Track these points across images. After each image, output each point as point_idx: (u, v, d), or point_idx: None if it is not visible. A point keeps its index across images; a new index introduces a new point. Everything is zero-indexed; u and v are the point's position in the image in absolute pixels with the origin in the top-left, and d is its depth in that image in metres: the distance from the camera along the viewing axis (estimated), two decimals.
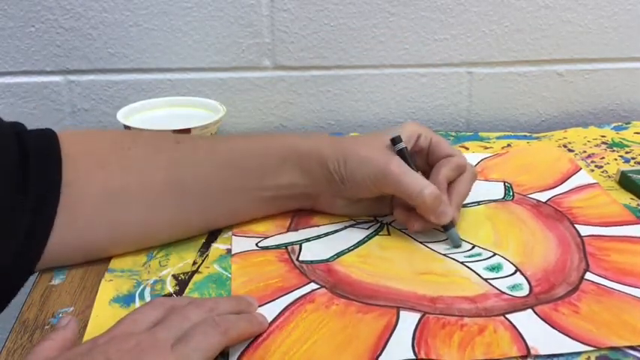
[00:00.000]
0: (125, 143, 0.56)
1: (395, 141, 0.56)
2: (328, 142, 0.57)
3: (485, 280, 0.52)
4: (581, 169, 0.69)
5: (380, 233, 0.59)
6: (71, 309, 0.50)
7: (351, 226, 0.60)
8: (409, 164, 0.56)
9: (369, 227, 0.60)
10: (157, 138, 0.59)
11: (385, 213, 0.60)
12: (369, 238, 0.58)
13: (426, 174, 0.57)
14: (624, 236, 0.57)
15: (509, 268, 0.53)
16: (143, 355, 0.39)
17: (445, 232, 0.57)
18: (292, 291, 0.50)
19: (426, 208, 0.54)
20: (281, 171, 0.57)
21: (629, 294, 0.49)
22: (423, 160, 0.59)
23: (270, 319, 0.47)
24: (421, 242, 0.57)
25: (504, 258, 0.55)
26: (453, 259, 0.55)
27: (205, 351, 0.41)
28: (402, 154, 0.56)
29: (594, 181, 0.66)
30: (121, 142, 0.56)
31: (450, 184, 0.57)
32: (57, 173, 0.52)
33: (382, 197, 0.58)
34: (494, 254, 0.55)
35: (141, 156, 0.56)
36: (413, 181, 0.54)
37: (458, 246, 0.56)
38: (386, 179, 0.54)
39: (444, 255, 0.55)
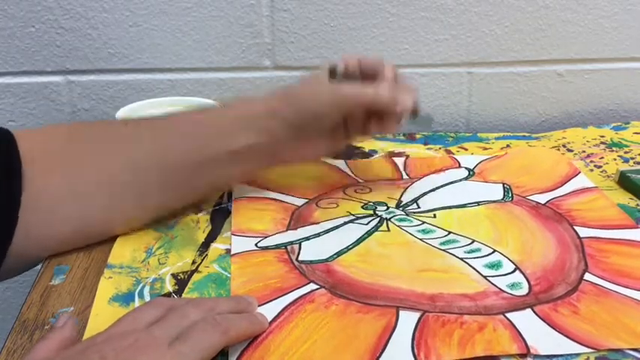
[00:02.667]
0: (80, 136, 0.58)
1: (332, 72, 0.60)
2: (276, 97, 0.59)
3: (485, 277, 0.52)
4: (580, 172, 0.69)
5: (379, 229, 0.59)
6: (71, 309, 0.50)
7: (350, 221, 0.60)
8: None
9: (369, 223, 0.60)
10: (108, 125, 0.63)
11: (343, 145, 0.64)
12: (368, 234, 0.58)
13: None
14: (623, 239, 0.57)
15: (508, 266, 0.53)
16: (139, 353, 0.39)
17: (415, 119, 0.61)
18: (292, 291, 0.50)
19: (387, 102, 0.57)
20: (238, 135, 0.58)
21: (628, 296, 0.49)
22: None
23: (269, 319, 0.47)
24: (420, 239, 0.57)
25: (504, 255, 0.55)
26: (453, 254, 0.55)
27: (204, 350, 0.41)
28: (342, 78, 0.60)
29: (593, 185, 0.67)
30: (77, 136, 0.58)
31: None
32: (18, 175, 0.52)
33: (337, 127, 0.60)
34: (494, 251, 0.55)
35: (96, 148, 0.57)
36: (366, 88, 0.57)
37: (431, 121, 0.63)
38: (344, 99, 0.57)
39: (444, 251, 0.55)
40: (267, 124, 0.58)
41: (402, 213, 0.62)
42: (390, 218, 0.61)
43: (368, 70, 0.61)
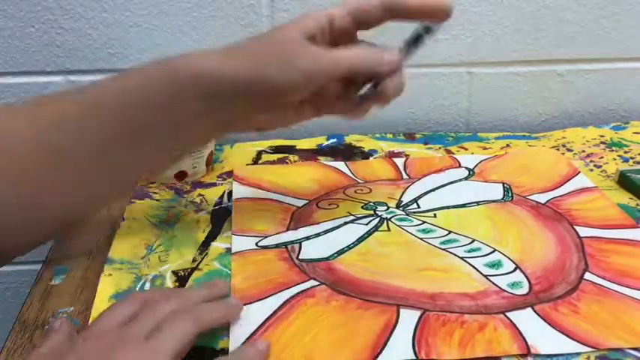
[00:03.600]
0: None
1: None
2: (243, 54, 0.48)
3: (485, 276, 0.52)
4: (580, 172, 0.69)
5: (380, 229, 0.59)
6: (71, 309, 0.50)
7: (350, 222, 0.60)
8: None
9: (369, 223, 0.60)
10: (14, 106, 0.50)
11: (310, 114, 0.55)
12: (368, 234, 0.58)
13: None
14: (623, 239, 0.57)
15: (509, 265, 0.53)
16: (118, 351, 0.39)
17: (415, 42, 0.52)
18: (292, 286, 0.51)
19: (392, 69, 0.51)
20: (179, 105, 0.48)
21: (629, 295, 0.49)
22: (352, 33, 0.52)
23: (269, 313, 0.47)
24: (421, 239, 0.57)
25: (504, 255, 0.55)
26: (453, 254, 0.55)
27: (177, 340, 0.41)
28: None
29: (593, 185, 0.67)
30: None
31: None
32: None
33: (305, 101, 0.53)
34: (494, 250, 0.55)
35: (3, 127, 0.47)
36: (367, 52, 0.50)
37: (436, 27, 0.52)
38: (321, 71, 0.48)
39: (444, 250, 0.55)
40: (220, 91, 0.47)
41: (402, 213, 0.62)
42: (390, 218, 0.61)
43: (366, 16, 0.50)
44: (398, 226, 0.59)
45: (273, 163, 0.74)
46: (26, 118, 0.47)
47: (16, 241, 0.49)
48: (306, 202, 0.64)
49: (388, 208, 0.62)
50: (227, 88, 0.47)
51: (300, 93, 0.49)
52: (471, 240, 0.57)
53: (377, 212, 0.62)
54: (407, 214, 0.62)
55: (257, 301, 0.49)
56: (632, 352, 0.44)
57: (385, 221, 0.60)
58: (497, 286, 0.51)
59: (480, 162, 0.73)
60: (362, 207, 0.63)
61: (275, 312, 0.47)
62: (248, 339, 0.45)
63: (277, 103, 0.50)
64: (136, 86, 0.48)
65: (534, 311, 0.48)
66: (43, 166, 0.47)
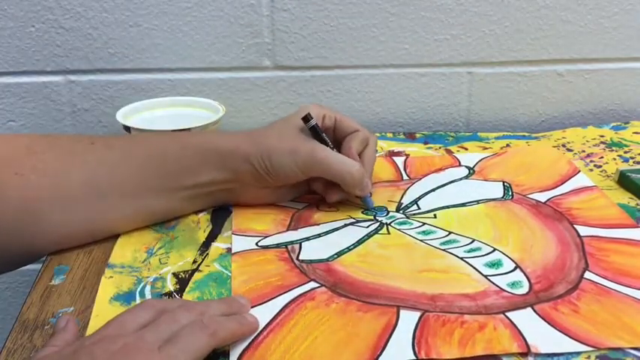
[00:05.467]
0: (40, 147, 0.56)
1: (307, 119, 0.59)
2: (248, 140, 0.59)
3: (485, 276, 0.52)
4: (579, 171, 0.69)
5: (380, 232, 0.59)
6: (71, 309, 0.50)
7: (350, 224, 0.60)
8: (323, 138, 0.60)
9: (369, 226, 0.60)
10: (71, 140, 0.60)
11: (305, 192, 0.65)
12: (369, 236, 0.58)
13: (335, 148, 0.61)
14: (623, 238, 0.57)
15: (509, 265, 0.53)
16: (130, 357, 0.39)
17: (362, 199, 0.63)
18: (292, 289, 0.50)
19: (354, 184, 0.59)
20: (200, 170, 0.58)
21: (629, 295, 0.49)
22: (330, 138, 0.62)
23: (270, 317, 0.47)
24: (420, 240, 0.57)
25: (504, 254, 0.55)
26: (453, 254, 0.55)
27: (192, 352, 0.41)
28: (314, 130, 0.60)
29: (593, 184, 0.67)
30: (36, 147, 0.56)
31: (360, 155, 0.62)
32: None
33: (301, 182, 0.62)
34: (494, 249, 0.55)
35: (55, 159, 0.56)
36: (340, 163, 0.59)
37: (371, 208, 0.63)
38: (314, 166, 0.59)
39: (444, 251, 0.55)
40: (238, 165, 0.58)
41: (402, 216, 0.62)
42: (390, 223, 0.60)
43: (341, 132, 0.62)
44: (398, 229, 0.59)
45: None
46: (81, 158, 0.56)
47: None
48: (306, 204, 0.64)
49: (388, 213, 0.62)
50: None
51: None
52: (470, 240, 0.57)
53: (377, 218, 0.61)
54: (407, 217, 0.61)
55: (257, 305, 0.49)
56: (632, 351, 0.44)
57: (385, 226, 0.60)
58: (497, 285, 0.51)
59: (480, 160, 0.73)
60: (362, 212, 0.63)
61: (275, 317, 0.47)
62: (249, 345, 0.44)
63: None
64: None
65: (534, 311, 0.48)
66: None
